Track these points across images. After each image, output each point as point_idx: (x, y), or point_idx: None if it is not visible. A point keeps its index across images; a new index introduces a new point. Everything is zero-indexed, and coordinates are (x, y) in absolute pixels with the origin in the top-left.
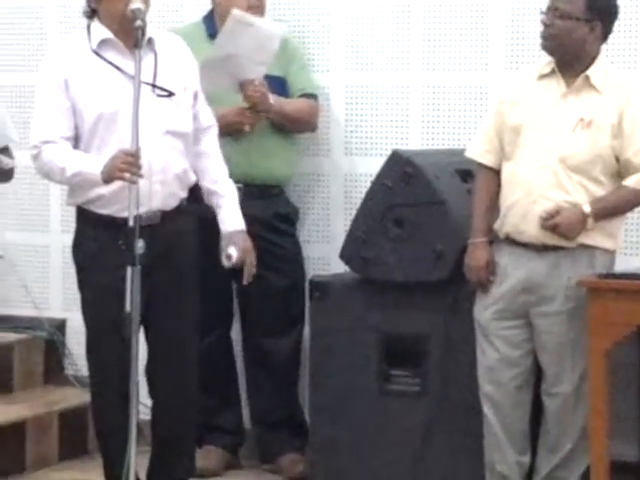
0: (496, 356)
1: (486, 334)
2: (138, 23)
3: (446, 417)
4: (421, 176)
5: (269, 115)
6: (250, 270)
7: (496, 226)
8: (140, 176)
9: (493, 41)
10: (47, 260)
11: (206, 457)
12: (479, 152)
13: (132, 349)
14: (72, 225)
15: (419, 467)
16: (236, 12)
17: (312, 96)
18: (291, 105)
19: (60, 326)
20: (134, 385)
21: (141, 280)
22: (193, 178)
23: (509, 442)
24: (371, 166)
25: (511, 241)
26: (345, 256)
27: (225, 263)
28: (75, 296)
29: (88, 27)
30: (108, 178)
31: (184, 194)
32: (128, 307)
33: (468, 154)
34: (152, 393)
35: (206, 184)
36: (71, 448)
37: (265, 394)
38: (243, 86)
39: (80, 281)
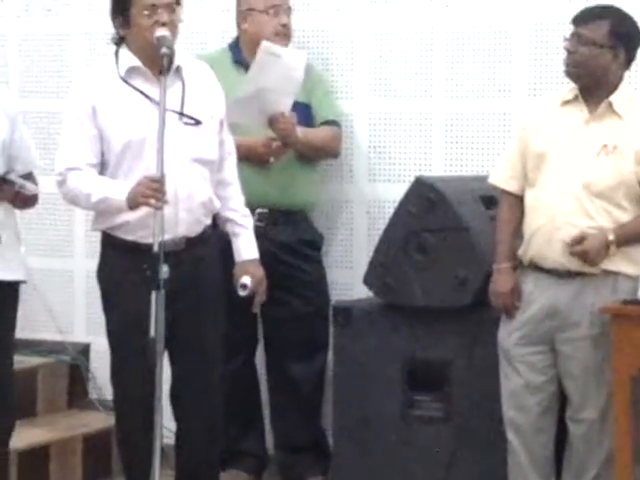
0: (520, 382)
1: (510, 360)
2: (163, 50)
3: (470, 442)
4: (444, 202)
5: (296, 147)
6: (261, 298)
7: (520, 252)
8: (165, 202)
9: (516, 68)
10: (71, 285)
11: None
12: (503, 179)
13: (156, 374)
14: (96, 250)
15: None
16: (265, 44)
17: (335, 123)
18: (316, 135)
19: (84, 350)
20: (158, 410)
21: (166, 306)
22: (218, 205)
23: (533, 468)
24: (395, 192)
25: (535, 267)
26: (368, 282)
27: (240, 292)
28: (99, 321)
29: (116, 54)
30: (133, 204)
31: (208, 221)
32: (152, 332)
33: (491, 181)
34: (177, 418)
35: (224, 212)
36: (95, 472)
37: (289, 419)
38: (272, 121)
39: (105, 306)
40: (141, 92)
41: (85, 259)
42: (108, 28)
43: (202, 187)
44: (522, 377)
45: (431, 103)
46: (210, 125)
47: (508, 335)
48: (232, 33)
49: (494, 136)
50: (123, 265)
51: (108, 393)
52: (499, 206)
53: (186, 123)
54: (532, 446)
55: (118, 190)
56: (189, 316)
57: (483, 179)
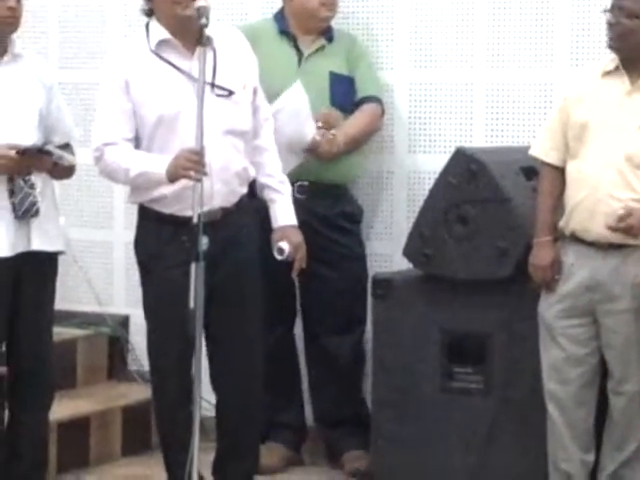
0: (561, 354)
1: (551, 332)
2: (203, 21)
3: (509, 415)
4: (485, 173)
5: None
6: (300, 264)
7: (561, 224)
8: (205, 174)
9: (558, 37)
10: (110, 256)
11: (268, 454)
12: (544, 150)
13: (195, 346)
14: (135, 221)
15: (482, 464)
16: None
17: (376, 99)
18: (356, 128)
19: (123, 322)
20: (197, 382)
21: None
22: (252, 174)
23: (573, 440)
24: (435, 163)
25: (576, 239)
26: (408, 253)
27: (277, 256)
28: (138, 292)
29: (147, 26)
30: (173, 177)
31: (244, 190)
32: (192, 303)
33: (532, 152)
34: (216, 390)
35: (261, 178)
36: (134, 443)
37: (328, 392)
38: (312, 150)
39: (142, 278)
40: (173, 65)
41: (124, 230)
42: None
43: (236, 158)
44: (563, 350)
45: (472, 73)
46: (243, 95)
47: (549, 307)
48: (272, 3)
49: (535, 107)
50: (161, 237)
51: (147, 365)
52: (540, 178)
53: (218, 94)
54: (573, 419)
55: (157, 164)
56: (227, 286)
57: (524, 150)
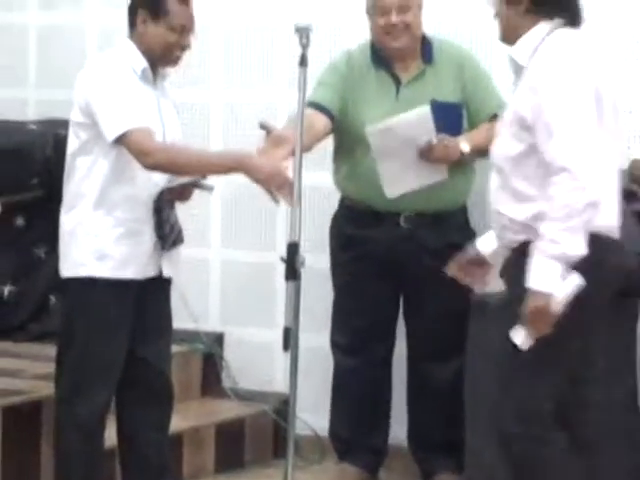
0: None
1: None
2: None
3: None
4: None
5: (466, 160)
6: None
7: None
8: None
9: None
10: (206, 274)
11: (342, 475)
12: None
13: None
14: (231, 240)
15: None
16: (369, 129)
17: None
18: (485, 136)
19: (218, 339)
20: (292, 400)
21: None
22: None
23: None
24: None
25: None
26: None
27: None
28: (233, 310)
29: None
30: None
31: None
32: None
33: None
34: None
35: None
36: (227, 460)
37: (427, 416)
38: (424, 154)
39: None
40: None
41: (220, 248)
42: None
43: None
44: None
45: None
46: None
47: None
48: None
49: None
50: None
51: (241, 382)
52: None
53: None
54: None
55: None
56: None
57: None
